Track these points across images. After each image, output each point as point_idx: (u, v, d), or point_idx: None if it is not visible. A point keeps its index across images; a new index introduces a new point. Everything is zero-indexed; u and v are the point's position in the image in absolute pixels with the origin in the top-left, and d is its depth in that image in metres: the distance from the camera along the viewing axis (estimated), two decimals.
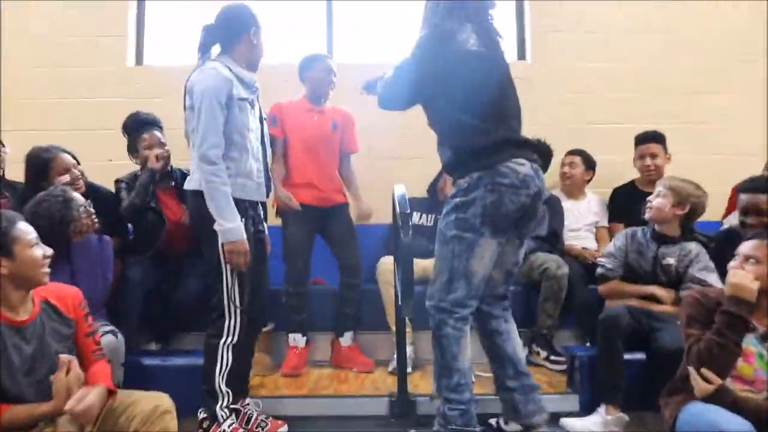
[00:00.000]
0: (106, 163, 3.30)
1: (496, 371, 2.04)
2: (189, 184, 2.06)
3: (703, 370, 1.72)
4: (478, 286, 1.88)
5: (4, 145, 2.78)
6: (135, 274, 2.60)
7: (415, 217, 3.23)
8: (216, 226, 1.95)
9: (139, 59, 3.95)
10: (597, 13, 3.76)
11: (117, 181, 2.79)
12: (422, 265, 3.04)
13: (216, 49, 2.13)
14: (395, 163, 3.68)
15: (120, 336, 2.23)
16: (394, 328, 2.85)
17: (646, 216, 2.48)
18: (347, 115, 3.05)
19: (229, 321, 2.01)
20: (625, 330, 2.22)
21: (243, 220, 2.01)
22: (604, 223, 3.29)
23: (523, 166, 1.84)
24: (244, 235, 1.98)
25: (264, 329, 2.86)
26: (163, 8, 4.00)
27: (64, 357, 1.63)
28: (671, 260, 2.41)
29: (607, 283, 2.53)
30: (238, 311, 2.01)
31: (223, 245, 1.96)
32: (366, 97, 3.53)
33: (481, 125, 1.83)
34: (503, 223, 1.85)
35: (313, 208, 2.89)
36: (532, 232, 2.19)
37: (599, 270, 2.56)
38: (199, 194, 1.99)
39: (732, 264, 1.84)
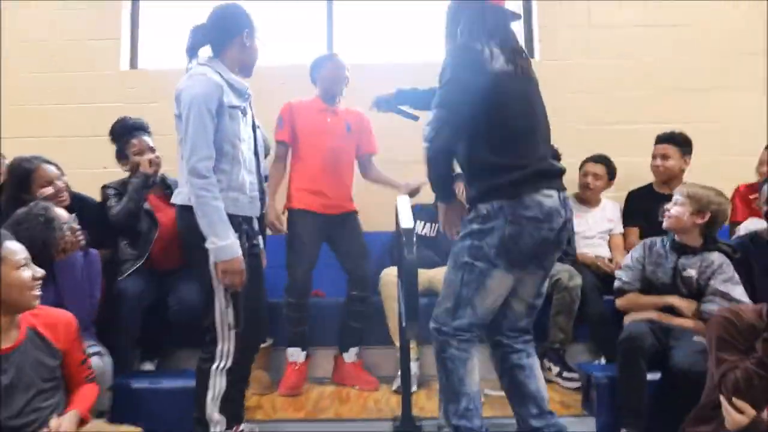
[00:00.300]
0: (101, 170, 3.16)
1: (518, 410, 1.87)
2: (177, 198, 1.93)
3: (736, 400, 1.58)
4: (484, 317, 1.77)
5: (4, 157, 2.71)
6: (131, 287, 2.46)
7: (419, 227, 3.09)
8: (208, 244, 1.82)
9: (133, 63, 3.83)
10: (605, 9, 3.61)
11: (104, 188, 2.66)
12: (428, 276, 2.91)
13: (207, 52, 2.00)
14: (400, 167, 3.54)
15: (107, 358, 2.11)
16: (398, 344, 2.72)
17: (664, 225, 2.33)
18: (362, 116, 2.91)
19: (223, 345, 1.88)
20: (649, 350, 2.08)
21: (237, 236, 1.88)
22: (618, 230, 3.14)
23: (550, 198, 1.71)
24: (239, 253, 1.85)
25: (263, 345, 2.74)
26: (158, 8, 3.87)
27: (53, 424, 1.60)
28: (692, 272, 2.26)
29: (624, 296, 2.39)
30: (232, 334, 1.88)
31: (216, 264, 1.83)
32: (370, 94, 3.46)
33: (510, 163, 1.71)
34: (520, 257, 1.72)
35: (320, 216, 2.75)
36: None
37: (616, 284, 2.43)
38: (188, 209, 1.86)
39: None
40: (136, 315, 2.44)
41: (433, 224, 3.11)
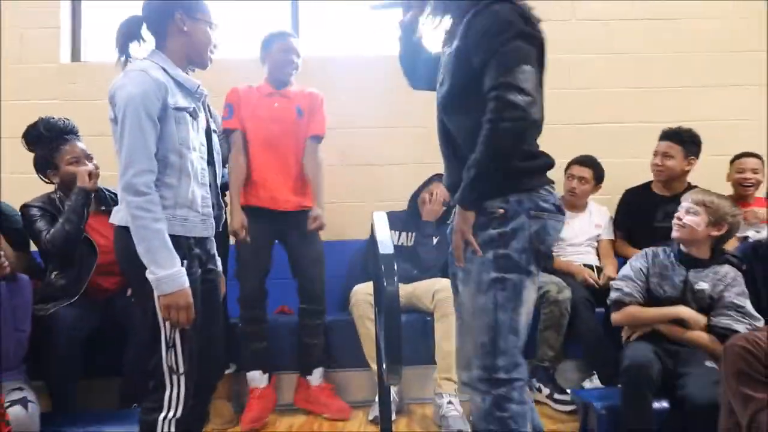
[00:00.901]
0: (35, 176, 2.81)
1: None
2: (116, 217, 1.62)
3: None
4: (524, 340, 1.42)
5: None
6: (62, 316, 2.12)
7: (394, 237, 2.81)
8: (148, 275, 1.52)
9: (75, 55, 3.45)
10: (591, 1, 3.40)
11: (25, 207, 2.28)
12: (407, 291, 2.67)
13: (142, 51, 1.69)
14: (373, 170, 3.30)
15: (32, 407, 1.80)
16: (374, 367, 2.47)
17: (674, 235, 2.11)
18: (315, 96, 2.59)
19: (171, 391, 1.59)
20: (656, 380, 1.87)
21: (185, 262, 1.58)
22: (607, 235, 2.94)
23: (554, 191, 1.46)
24: (186, 284, 1.55)
25: (224, 372, 2.45)
26: None
27: None
28: (704, 285, 2.05)
29: (622, 310, 2.13)
30: (182, 379, 1.59)
31: (158, 298, 1.54)
32: (338, 90, 3.20)
33: (529, 150, 1.41)
34: (545, 256, 1.43)
35: (269, 212, 2.45)
36: None
37: (614, 295, 2.16)
38: (126, 231, 1.56)
39: None
40: (73, 347, 2.12)
41: (410, 234, 2.84)
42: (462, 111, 1.43)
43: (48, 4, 3.36)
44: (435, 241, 2.79)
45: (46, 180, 2.33)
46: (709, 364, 1.93)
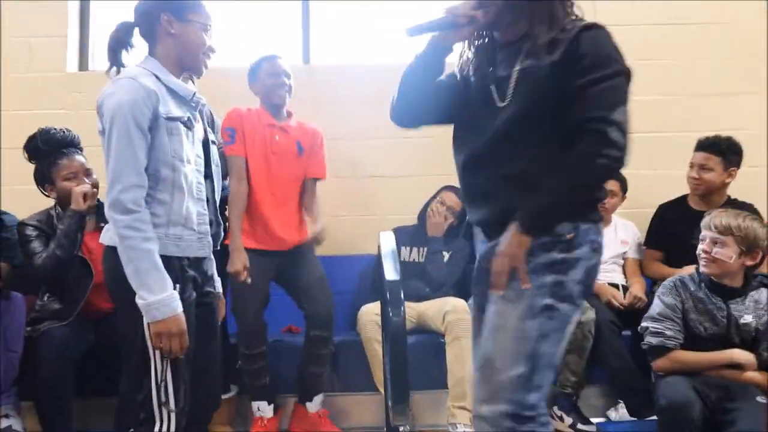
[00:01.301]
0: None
1: None
2: (104, 237, 1.51)
3: None
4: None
5: None
6: (51, 335, 2.02)
7: (404, 253, 2.67)
8: (138, 300, 1.40)
9: (83, 64, 3.38)
10: (613, 5, 3.24)
11: (21, 225, 2.18)
12: (417, 311, 2.54)
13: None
14: (384, 182, 3.17)
15: None
16: (382, 390, 2.33)
17: (705, 271, 1.93)
18: (316, 133, 2.48)
19: (161, 426, 1.46)
20: (697, 421, 1.69)
21: (177, 286, 1.46)
22: (633, 254, 2.76)
23: None
24: (178, 310, 1.43)
25: (226, 396, 2.33)
26: None
27: None
28: (749, 317, 1.87)
29: (665, 355, 1.91)
30: (172, 415, 1.46)
31: (148, 325, 1.42)
32: (347, 101, 3.09)
33: None
34: (588, 295, 1.37)
35: (268, 254, 2.32)
36: None
37: (652, 340, 1.95)
38: (115, 251, 1.44)
39: None
40: (63, 368, 2.01)
41: (421, 249, 2.69)
42: (530, 135, 1.29)
43: (56, 12, 3.30)
44: (446, 256, 2.65)
45: (45, 194, 2.24)
46: (760, 399, 1.76)
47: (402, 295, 1.32)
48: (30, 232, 2.13)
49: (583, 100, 1.24)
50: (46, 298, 2.13)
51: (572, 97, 1.25)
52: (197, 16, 1.55)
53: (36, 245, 2.10)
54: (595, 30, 1.28)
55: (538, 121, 1.28)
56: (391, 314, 1.29)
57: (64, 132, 2.19)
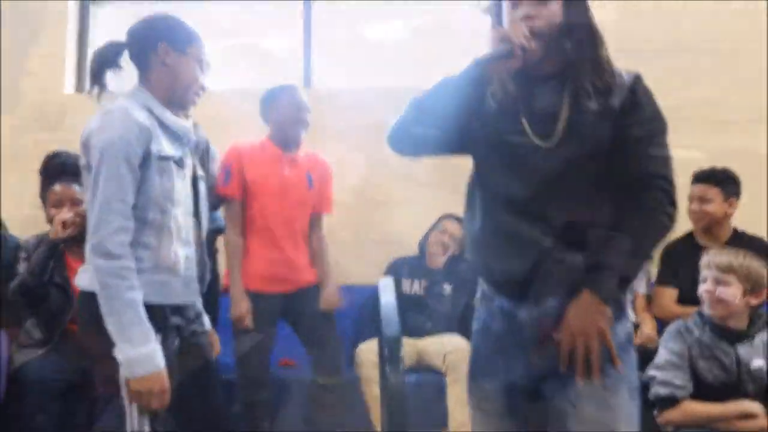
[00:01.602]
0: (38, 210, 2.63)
1: None
2: (81, 279, 1.42)
3: None
4: None
5: None
6: (33, 368, 1.97)
7: (405, 285, 2.58)
8: (116, 353, 1.31)
9: (80, 86, 3.33)
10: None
11: (18, 247, 2.18)
12: (417, 348, 2.45)
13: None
14: (387, 209, 3.09)
15: None
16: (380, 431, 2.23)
17: (709, 312, 1.83)
18: (325, 166, 2.35)
19: None
20: None
21: (160, 336, 1.37)
22: (641, 288, 2.66)
23: None
24: (161, 365, 1.33)
25: None
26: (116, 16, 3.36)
27: None
28: (760, 362, 1.78)
29: (674, 407, 1.80)
30: None
31: (127, 381, 1.32)
32: (350, 124, 3.01)
33: None
34: None
35: (275, 296, 2.20)
36: None
37: (663, 391, 1.82)
38: (94, 297, 1.35)
39: None
40: (47, 405, 1.94)
41: (422, 281, 2.59)
42: (585, 181, 1.20)
43: (53, 33, 3.27)
44: (448, 289, 2.56)
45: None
46: None
47: (402, 353, 1.23)
48: (21, 254, 2.12)
49: (646, 156, 1.19)
50: (28, 323, 2.10)
51: (628, 146, 1.19)
52: (195, 51, 1.48)
53: (20, 268, 2.08)
54: (644, 81, 1.24)
55: (594, 167, 1.19)
56: (389, 372, 1.20)
57: (62, 158, 2.17)
